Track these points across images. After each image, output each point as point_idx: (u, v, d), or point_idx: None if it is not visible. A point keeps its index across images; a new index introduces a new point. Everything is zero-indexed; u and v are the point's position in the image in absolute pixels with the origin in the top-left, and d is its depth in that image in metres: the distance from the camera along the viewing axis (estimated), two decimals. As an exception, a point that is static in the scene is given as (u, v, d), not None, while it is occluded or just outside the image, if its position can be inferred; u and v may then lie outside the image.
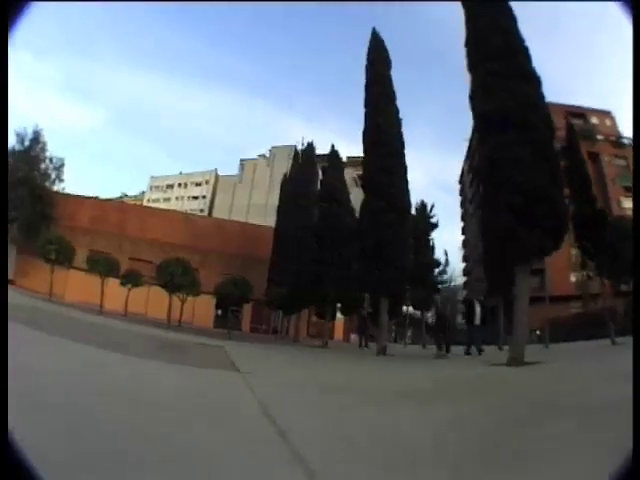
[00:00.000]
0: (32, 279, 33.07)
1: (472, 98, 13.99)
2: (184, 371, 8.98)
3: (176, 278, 26.45)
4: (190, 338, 18.76)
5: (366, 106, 24.28)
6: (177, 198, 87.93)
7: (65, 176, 41.70)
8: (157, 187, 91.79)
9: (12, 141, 37.20)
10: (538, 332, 35.97)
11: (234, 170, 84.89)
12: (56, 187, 41.04)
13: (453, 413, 5.39)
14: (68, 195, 41.34)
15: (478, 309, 18.05)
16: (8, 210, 31.11)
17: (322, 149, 36.40)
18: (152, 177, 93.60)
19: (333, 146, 33.57)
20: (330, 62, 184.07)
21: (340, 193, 31.09)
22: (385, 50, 24.87)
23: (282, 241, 36.71)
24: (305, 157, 38.78)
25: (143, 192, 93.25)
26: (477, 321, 17.88)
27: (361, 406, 6.09)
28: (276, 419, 4.71)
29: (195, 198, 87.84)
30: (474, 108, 13.97)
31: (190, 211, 70.98)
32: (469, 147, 79.30)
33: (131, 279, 29.53)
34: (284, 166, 78.79)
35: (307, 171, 37.43)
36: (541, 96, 13.23)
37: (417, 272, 28.29)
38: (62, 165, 41.02)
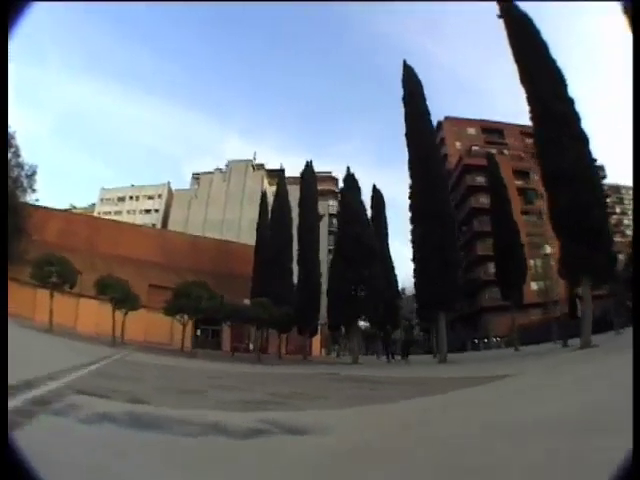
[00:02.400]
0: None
1: (540, 153, 18.65)
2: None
3: (204, 302, 26.01)
4: (279, 369, 18.09)
5: (407, 137, 27.29)
6: (129, 212, 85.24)
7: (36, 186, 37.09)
8: (108, 199, 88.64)
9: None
10: (498, 339, 37.78)
11: (179, 183, 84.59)
12: (28, 198, 36.89)
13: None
14: (35, 206, 37.08)
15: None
16: None
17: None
18: (103, 189, 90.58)
19: (349, 168, 33.83)
20: (269, 75, 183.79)
21: (361, 215, 31.95)
22: (420, 83, 27.64)
23: (272, 259, 37.04)
24: (306, 177, 38.70)
25: (93, 204, 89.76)
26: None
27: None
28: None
29: (147, 212, 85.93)
30: (544, 160, 18.28)
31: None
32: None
33: (128, 302, 28.29)
34: (240, 181, 79.26)
35: (310, 191, 38.03)
36: (591, 156, 17.78)
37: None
38: (34, 173, 36.65)
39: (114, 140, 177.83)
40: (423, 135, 26.62)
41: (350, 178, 33.33)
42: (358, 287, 29.00)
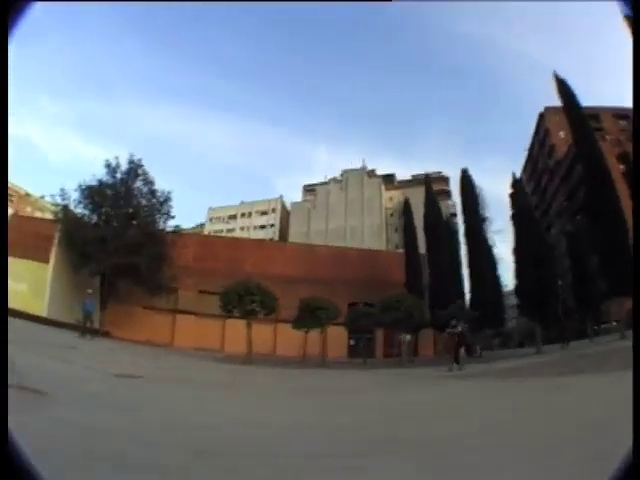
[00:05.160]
0: (129, 329, 31.75)
1: None
2: None
3: (416, 314, 25.86)
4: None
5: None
6: (242, 228, 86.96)
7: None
8: (217, 218, 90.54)
9: (101, 172, 33.45)
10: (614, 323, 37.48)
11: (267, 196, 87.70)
12: (167, 225, 35.90)
13: None
14: (175, 232, 36.45)
15: None
16: (120, 254, 29.47)
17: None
18: (210, 208, 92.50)
19: (514, 174, 34.83)
20: (343, 78, 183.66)
21: (535, 217, 34.49)
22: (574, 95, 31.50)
23: (438, 265, 37.58)
24: (465, 183, 38.82)
25: (201, 224, 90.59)
26: None
27: None
28: None
29: (262, 227, 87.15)
30: None
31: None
32: (529, 156, 79.09)
33: (312, 322, 28.14)
34: (358, 189, 79.94)
35: (472, 196, 38.26)
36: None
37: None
38: (168, 199, 35.43)
39: (195, 162, 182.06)
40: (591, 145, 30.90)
41: (517, 182, 33.73)
42: (546, 286, 30.08)
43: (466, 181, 38.13)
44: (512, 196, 34.93)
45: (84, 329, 23.79)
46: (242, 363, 23.27)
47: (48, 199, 35.74)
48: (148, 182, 34.94)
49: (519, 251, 32.08)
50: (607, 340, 28.10)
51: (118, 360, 15.25)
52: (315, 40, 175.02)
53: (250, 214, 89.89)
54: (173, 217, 35.96)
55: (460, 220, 39.18)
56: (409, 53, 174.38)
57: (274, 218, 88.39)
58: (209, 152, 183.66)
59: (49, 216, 51.74)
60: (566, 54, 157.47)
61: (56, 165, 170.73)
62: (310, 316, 27.77)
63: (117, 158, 33.92)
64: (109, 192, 32.88)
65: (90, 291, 26.47)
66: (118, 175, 33.71)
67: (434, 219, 39.48)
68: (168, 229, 35.52)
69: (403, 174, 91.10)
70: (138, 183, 34.62)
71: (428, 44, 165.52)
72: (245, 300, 25.78)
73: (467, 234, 36.61)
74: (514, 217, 33.34)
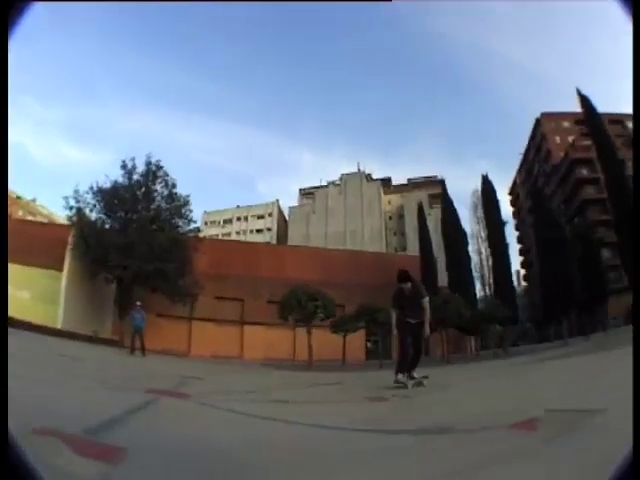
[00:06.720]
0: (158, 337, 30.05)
1: None
2: None
3: (464, 312, 26.30)
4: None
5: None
6: (238, 232, 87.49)
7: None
8: (213, 222, 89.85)
9: (117, 173, 31.83)
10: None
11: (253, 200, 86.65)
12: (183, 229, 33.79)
13: None
14: (196, 237, 35.07)
15: None
16: (148, 259, 28.30)
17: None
18: (206, 212, 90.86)
19: (540, 187, 36.44)
20: (330, 80, 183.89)
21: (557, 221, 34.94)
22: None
23: (454, 267, 38.78)
24: (485, 187, 40.13)
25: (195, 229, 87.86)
26: None
27: None
28: None
29: (259, 231, 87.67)
30: None
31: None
32: (523, 160, 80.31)
33: (345, 325, 28.66)
34: (357, 193, 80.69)
35: (493, 199, 39.66)
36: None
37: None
38: (187, 203, 33.56)
39: (182, 165, 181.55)
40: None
41: (537, 191, 35.03)
42: (568, 284, 32.26)
43: (487, 186, 39.21)
44: (534, 205, 36.67)
45: (133, 346, 23.00)
46: (305, 369, 22.30)
47: (61, 202, 32.65)
48: (169, 185, 33.29)
49: (545, 252, 33.64)
50: (619, 332, 28.04)
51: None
52: (305, 42, 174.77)
53: (246, 218, 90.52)
54: (195, 222, 35.23)
55: (470, 223, 40.16)
56: (398, 56, 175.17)
57: (271, 222, 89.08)
58: (196, 155, 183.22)
59: (41, 219, 50.39)
60: (556, 56, 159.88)
61: (45, 168, 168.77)
62: (369, 320, 28.41)
63: (133, 159, 32.38)
64: (126, 195, 31.39)
65: (139, 303, 24.65)
66: (135, 177, 32.20)
67: (452, 223, 40.33)
68: (189, 234, 34.17)
69: (394, 178, 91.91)
70: (157, 186, 33.04)
71: (416, 47, 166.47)
72: (309, 306, 25.49)
73: (489, 237, 37.76)
74: (535, 222, 35.00)
